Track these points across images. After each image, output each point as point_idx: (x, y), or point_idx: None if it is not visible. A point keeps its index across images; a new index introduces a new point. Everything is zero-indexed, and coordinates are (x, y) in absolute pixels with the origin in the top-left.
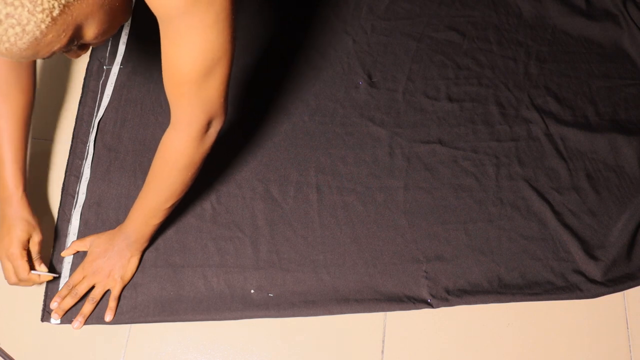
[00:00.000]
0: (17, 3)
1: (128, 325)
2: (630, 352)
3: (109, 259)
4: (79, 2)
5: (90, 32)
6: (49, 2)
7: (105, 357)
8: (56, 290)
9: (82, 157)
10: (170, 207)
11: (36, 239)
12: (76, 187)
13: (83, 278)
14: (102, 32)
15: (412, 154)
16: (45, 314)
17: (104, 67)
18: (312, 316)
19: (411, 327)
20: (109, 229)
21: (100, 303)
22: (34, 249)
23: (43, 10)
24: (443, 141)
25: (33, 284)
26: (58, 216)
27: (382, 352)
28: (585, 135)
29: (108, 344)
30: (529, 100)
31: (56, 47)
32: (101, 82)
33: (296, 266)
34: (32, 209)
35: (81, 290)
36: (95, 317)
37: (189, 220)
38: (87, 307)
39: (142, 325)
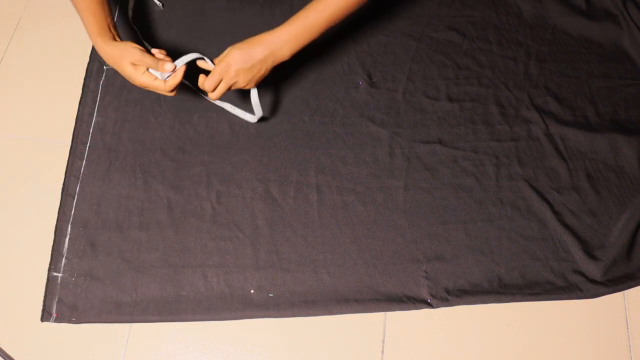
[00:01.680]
0: None
1: (128, 325)
2: (630, 352)
3: (248, 67)
4: None
5: None
6: None
7: (105, 357)
8: (56, 290)
9: (82, 157)
10: (337, 21)
11: (136, 56)
12: (76, 187)
13: (221, 80)
14: None
15: (412, 154)
16: (45, 314)
17: (104, 67)
18: (312, 316)
19: (411, 327)
20: (109, 229)
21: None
22: (146, 61)
23: None
24: (443, 141)
25: (177, 81)
26: (58, 216)
27: (382, 352)
28: (585, 135)
29: (108, 344)
30: (529, 100)
31: None
32: (101, 82)
33: (296, 266)
34: (119, 38)
35: (221, 89)
36: (96, 316)
37: (189, 220)
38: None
39: (142, 325)
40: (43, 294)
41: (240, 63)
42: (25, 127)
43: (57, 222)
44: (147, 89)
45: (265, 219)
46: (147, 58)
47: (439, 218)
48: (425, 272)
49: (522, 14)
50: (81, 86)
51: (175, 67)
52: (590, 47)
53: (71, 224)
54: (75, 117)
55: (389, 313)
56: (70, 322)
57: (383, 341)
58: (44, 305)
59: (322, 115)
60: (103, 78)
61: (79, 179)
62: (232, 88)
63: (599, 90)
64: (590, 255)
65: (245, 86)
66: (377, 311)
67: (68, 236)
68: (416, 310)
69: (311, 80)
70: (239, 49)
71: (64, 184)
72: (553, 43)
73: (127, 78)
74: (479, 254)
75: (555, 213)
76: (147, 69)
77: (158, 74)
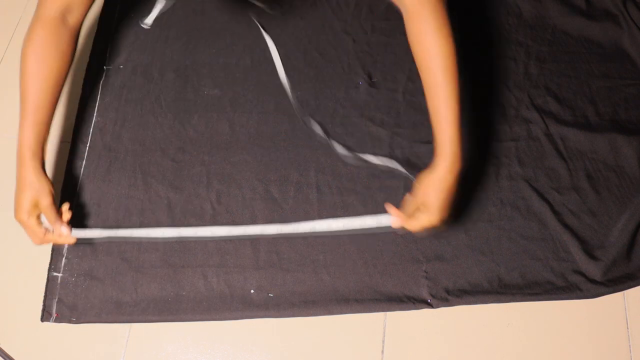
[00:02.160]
0: None
1: (128, 325)
2: (630, 352)
3: (449, 198)
4: None
5: None
6: None
7: (105, 357)
8: (56, 290)
9: (82, 157)
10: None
11: (44, 202)
12: (76, 187)
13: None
14: None
15: (412, 154)
16: (45, 314)
17: (104, 67)
18: (312, 316)
19: (411, 327)
20: (109, 229)
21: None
22: (47, 213)
23: None
24: None
25: (59, 243)
26: None
27: (382, 352)
28: (585, 135)
29: (108, 344)
30: (529, 100)
31: None
32: (101, 82)
33: (296, 266)
34: (43, 171)
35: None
36: (96, 316)
37: (189, 220)
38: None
39: (142, 325)
40: (43, 294)
41: (435, 187)
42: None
43: None
44: (24, 227)
45: (265, 219)
46: (52, 210)
47: None
48: (425, 272)
49: (522, 14)
50: (81, 86)
51: (70, 232)
52: (590, 47)
53: (71, 223)
54: (75, 117)
55: (389, 313)
56: (70, 322)
57: (383, 341)
58: (44, 305)
59: (322, 116)
60: (103, 78)
61: (79, 179)
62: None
63: (599, 90)
64: (590, 255)
65: (440, 214)
66: (377, 311)
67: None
68: (416, 310)
69: (311, 80)
70: (428, 175)
71: (64, 184)
72: (553, 43)
73: (16, 208)
74: (479, 254)
75: (555, 213)
76: (40, 214)
77: (48, 224)
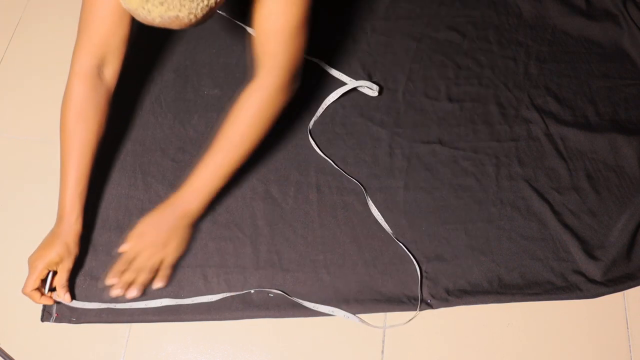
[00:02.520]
0: None
1: (128, 325)
2: (630, 352)
3: (162, 232)
4: None
5: None
6: None
7: (105, 357)
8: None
9: None
10: (238, 167)
11: (66, 265)
12: None
13: (138, 253)
14: None
15: (412, 154)
16: (46, 314)
17: None
18: (312, 316)
19: (411, 327)
20: (109, 230)
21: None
22: (61, 274)
23: None
24: (443, 141)
25: (36, 301)
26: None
27: (382, 352)
28: (585, 135)
29: (108, 344)
30: (529, 100)
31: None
32: None
33: (296, 266)
34: (81, 237)
35: (140, 263)
36: (96, 316)
37: None
38: (144, 277)
39: (142, 325)
40: None
41: (154, 232)
42: (25, 127)
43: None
44: (31, 274)
45: (265, 219)
46: (67, 274)
47: (439, 218)
48: (425, 272)
49: (522, 14)
50: None
51: (70, 300)
52: (590, 47)
53: None
54: None
55: (389, 313)
56: (70, 322)
57: (383, 341)
58: (44, 305)
59: (322, 116)
60: None
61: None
62: (153, 262)
63: (599, 90)
64: (590, 255)
65: (170, 255)
66: (377, 311)
67: None
68: (416, 311)
69: (311, 80)
70: (149, 217)
71: None
72: (553, 43)
73: (38, 254)
74: (479, 254)
75: (555, 213)
76: (46, 278)
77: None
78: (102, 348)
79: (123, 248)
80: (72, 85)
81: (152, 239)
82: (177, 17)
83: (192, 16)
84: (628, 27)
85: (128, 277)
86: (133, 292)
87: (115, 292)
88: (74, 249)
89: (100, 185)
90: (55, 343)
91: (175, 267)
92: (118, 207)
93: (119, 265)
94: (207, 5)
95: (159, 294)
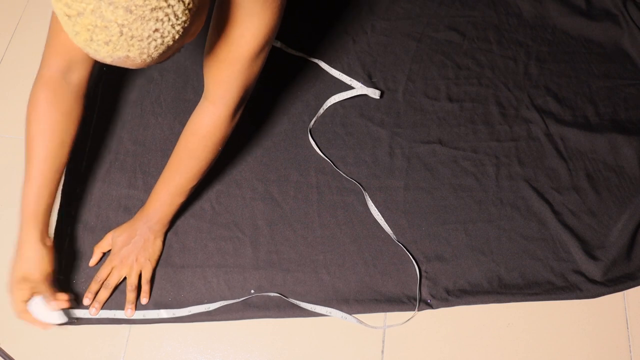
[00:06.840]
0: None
1: (128, 325)
2: (630, 352)
3: (133, 245)
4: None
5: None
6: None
7: (105, 357)
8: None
9: (83, 158)
10: (195, 185)
11: (34, 277)
12: (76, 188)
13: (112, 270)
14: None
15: (412, 154)
16: None
17: (104, 69)
18: (312, 316)
19: (411, 327)
20: (109, 230)
21: (117, 292)
22: (39, 289)
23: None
24: (443, 141)
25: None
26: (58, 217)
27: (382, 352)
28: (585, 135)
29: (108, 344)
30: (529, 100)
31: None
32: (101, 82)
33: (296, 266)
34: (44, 241)
35: (113, 281)
36: (97, 318)
37: (189, 220)
38: (130, 296)
39: (142, 325)
40: None
41: (124, 248)
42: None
43: (57, 222)
44: (13, 304)
45: (265, 219)
46: (44, 286)
47: (439, 218)
48: (425, 272)
49: (522, 14)
50: None
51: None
52: (590, 47)
53: (71, 224)
54: None
55: (389, 313)
56: (70, 323)
57: (383, 341)
58: None
59: (322, 115)
60: (103, 80)
61: (79, 179)
62: (132, 281)
63: (599, 90)
64: (590, 255)
65: (145, 268)
66: (377, 311)
67: (68, 237)
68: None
69: (311, 80)
70: (118, 231)
71: (64, 184)
72: (553, 43)
73: (9, 276)
74: (479, 254)
75: (555, 213)
76: (33, 294)
77: (37, 306)
78: (102, 348)
79: (93, 262)
80: (35, 90)
81: (123, 254)
82: (128, 57)
83: (144, 56)
84: (628, 27)
85: (103, 295)
86: (128, 311)
87: (92, 312)
88: (37, 258)
89: (100, 185)
90: (55, 343)
91: (173, 269)
92: (118, 207)
93: (92, 285)
94: (162, 44)
95: (157, 305)
